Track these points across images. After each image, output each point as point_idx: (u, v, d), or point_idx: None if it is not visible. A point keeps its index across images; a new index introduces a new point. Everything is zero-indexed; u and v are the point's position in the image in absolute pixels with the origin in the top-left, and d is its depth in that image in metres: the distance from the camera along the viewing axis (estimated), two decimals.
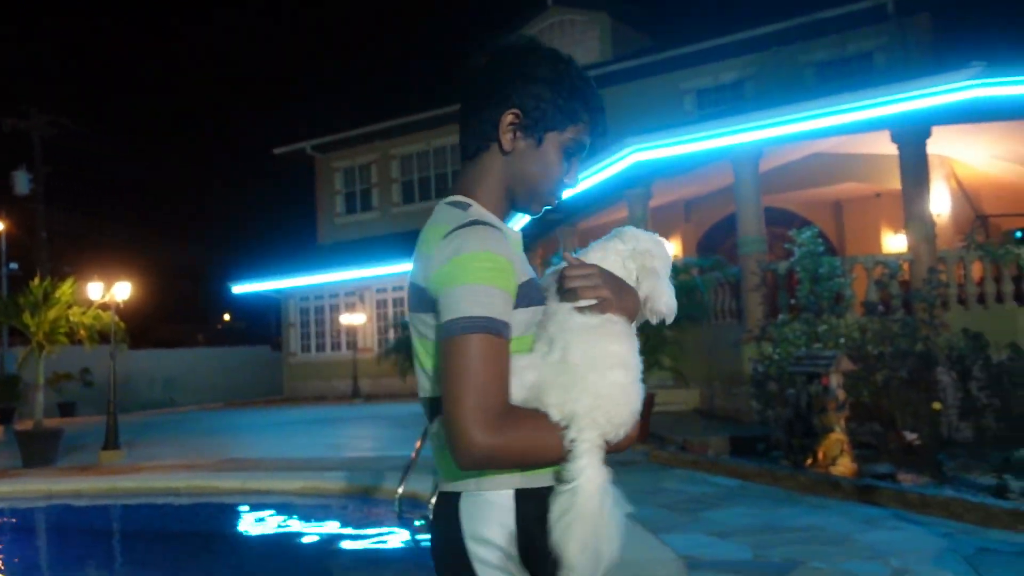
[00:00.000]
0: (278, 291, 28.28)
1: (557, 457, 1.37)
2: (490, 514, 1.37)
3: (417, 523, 6.86)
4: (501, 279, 1.34)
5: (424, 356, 1.44)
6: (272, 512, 8.00)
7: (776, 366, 9.20)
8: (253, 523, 7.91)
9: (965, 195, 16.30)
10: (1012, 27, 17.31)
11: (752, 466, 7.97)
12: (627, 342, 1.43)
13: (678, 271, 10.89)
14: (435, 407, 1.42)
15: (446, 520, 1.42)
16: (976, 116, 11.24)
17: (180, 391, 27.30)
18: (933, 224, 11.56)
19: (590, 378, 1.37)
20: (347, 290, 27.10)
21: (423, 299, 1.42)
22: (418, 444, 7.50)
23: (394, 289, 26.42)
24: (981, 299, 11.09)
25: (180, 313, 50.23)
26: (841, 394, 7.70)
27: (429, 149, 27.52)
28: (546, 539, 1.33)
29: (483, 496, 1.38)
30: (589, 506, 1.34)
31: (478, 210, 1.48)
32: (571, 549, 1.32)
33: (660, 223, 16.11)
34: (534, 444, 1.34)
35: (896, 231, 15.64)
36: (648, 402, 10.76)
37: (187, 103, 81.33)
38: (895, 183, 11.97)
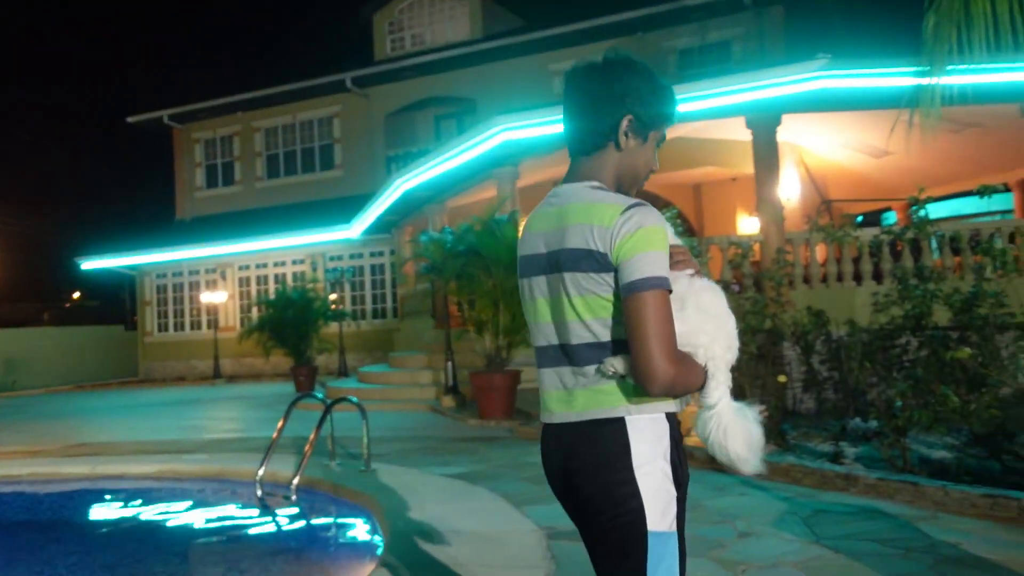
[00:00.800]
0: (133, 267, 26.96)
1: (699, 385, 1.80)
2: (654, 432, 1.76)
3: (282, 507, 6.75)
4: (666, 247, 1.77)
5: (585, 309, 1.79)
6: (125, 498, 7.68)
7: None
8: (104, 510, 7.57)
9: (813, 181, 17.30)
10: (858, 21, 18.44)
11: None
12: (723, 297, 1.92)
13: None
14: (593, 350, 1.79)
15: (603, 441, 1.76)
16: (822, 106, 11.90)
17: (23, 374, 25.64)
18: (782, 208, 12.20)
19: (727, 325, 1.88)
20: (208, 267, 26.15)
21: (595, 260, 1.76)
22: (280, 424, 7.37)
23: (258, 267, 25.68)
24: (824, 279, 11.76)
25: (23, 291, 47.08)
26: None
27: (295, 122, 26.78)
28: (682, 452, 1.82)
29: (645, 418, 1.77)
30: (737, 416, 1.83)
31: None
32: (737, 446, 1.82)
33: (528, 203, 16.30)
34: (691, 375, 1.77)
35: (750, 214, 16.39)
36: (513, 379, 10.94)
37: (30, 61, 75.69)
38: (750, 168, 12.58)
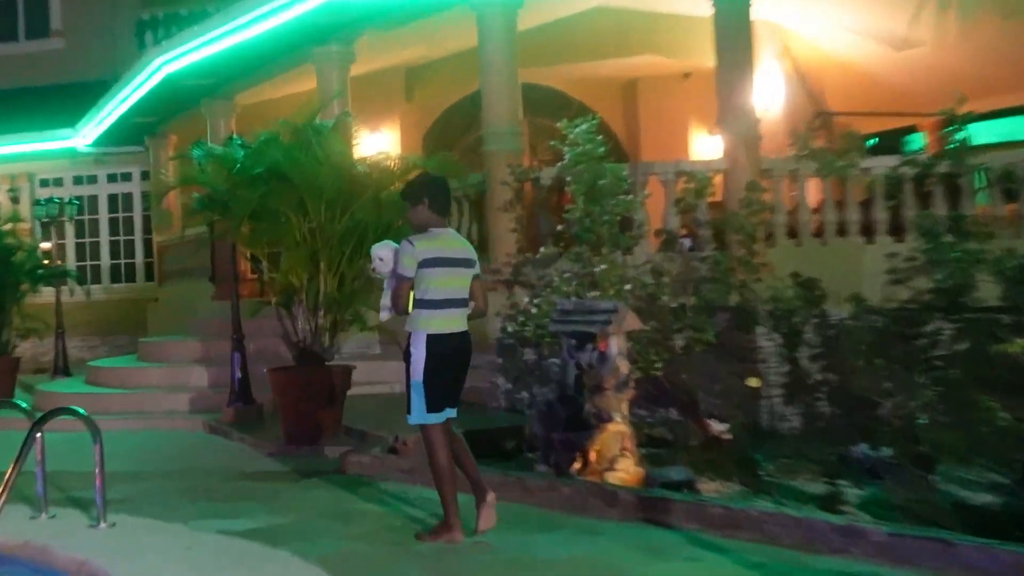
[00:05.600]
0: None
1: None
2: None
3: None
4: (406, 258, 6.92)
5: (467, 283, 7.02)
6: None
7: (534, 325, 9.55)
8: None
9: (803, 82, 17.59)
10: None
11: (495, 474, 8.08)
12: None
13: (395, 177, 11.05)
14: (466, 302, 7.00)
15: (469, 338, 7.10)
16: None
17: None
18: (757, 121, 12.44)
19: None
20: None
21: (473, 261, 7.12)
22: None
23: None
24: (819, 232, 12.05)
25: None
26: (624, 365, 8.05)
27: None
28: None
29: None
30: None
31: None
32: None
33: (367, 101, 16.06)
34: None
35: (709, 130, 16.66)
36: (319, 379, 11.04)
37: None
38: (710, 59, 12.76)
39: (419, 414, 6.81)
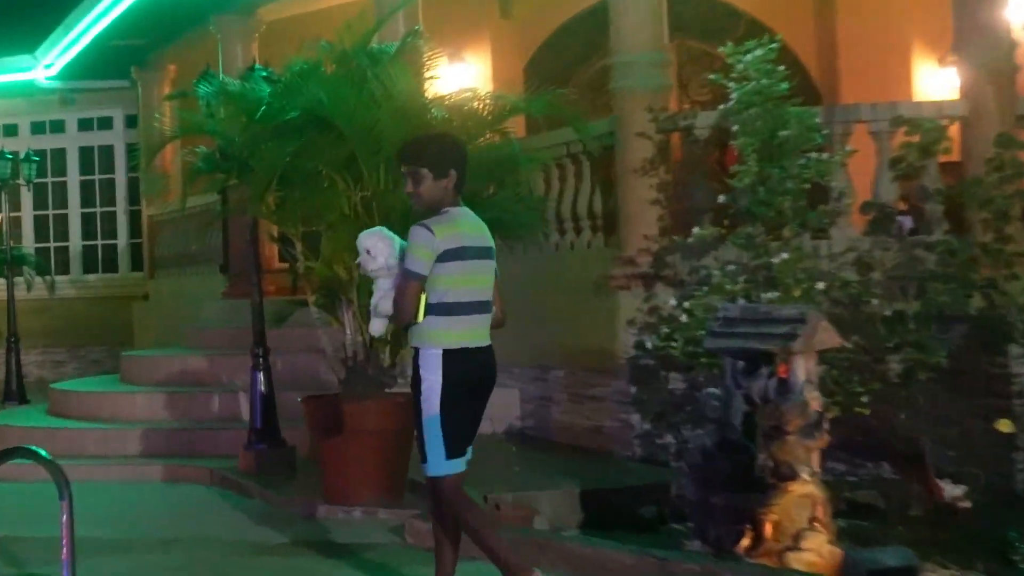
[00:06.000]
0: None
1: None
2: None
3: None
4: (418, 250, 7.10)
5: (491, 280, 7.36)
6: None
7: (684, 339, 9.58)
8: None
9: None
10: None
11: (629, 555, 8.07)
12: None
13: (485, 124, 11.11)
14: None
15: (494, 355, 7.45)
16: None
17: None
18: (1013, 45, 12.21)
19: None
20: None
21: (494, 252, 7.43)
22: None
23: None
24: None
25: None
26: (815, 400, 8.01)
27: None
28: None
29: None
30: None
31: None
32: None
33: (447, 17, 16.12)
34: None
35: (942, 59, 16.59)
36: (406, 411, 10.71)
37: None
38: None
39: (437, 461, 6.93)
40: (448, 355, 6.87)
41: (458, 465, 6.96)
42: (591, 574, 8.23)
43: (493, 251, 7.24)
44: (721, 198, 11.47)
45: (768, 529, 7.90)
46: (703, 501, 8.52)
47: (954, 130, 12.12)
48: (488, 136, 10.84)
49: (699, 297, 10.01)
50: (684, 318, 9.87)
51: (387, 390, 11.25)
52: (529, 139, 13.42)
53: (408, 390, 10.80)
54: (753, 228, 10.65)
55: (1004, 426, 8.03)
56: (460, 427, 6.98)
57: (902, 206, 12.19)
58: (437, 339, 6.89)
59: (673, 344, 9.78)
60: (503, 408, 13.39)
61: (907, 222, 11.98)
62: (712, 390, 8.80)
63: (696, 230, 11.32)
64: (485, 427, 12.40)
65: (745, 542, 7.99)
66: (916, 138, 11.56)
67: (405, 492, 11.01)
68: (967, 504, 8.48)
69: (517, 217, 10.85)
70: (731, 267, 10.36)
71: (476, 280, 7.02)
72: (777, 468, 7.99)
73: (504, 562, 6.82)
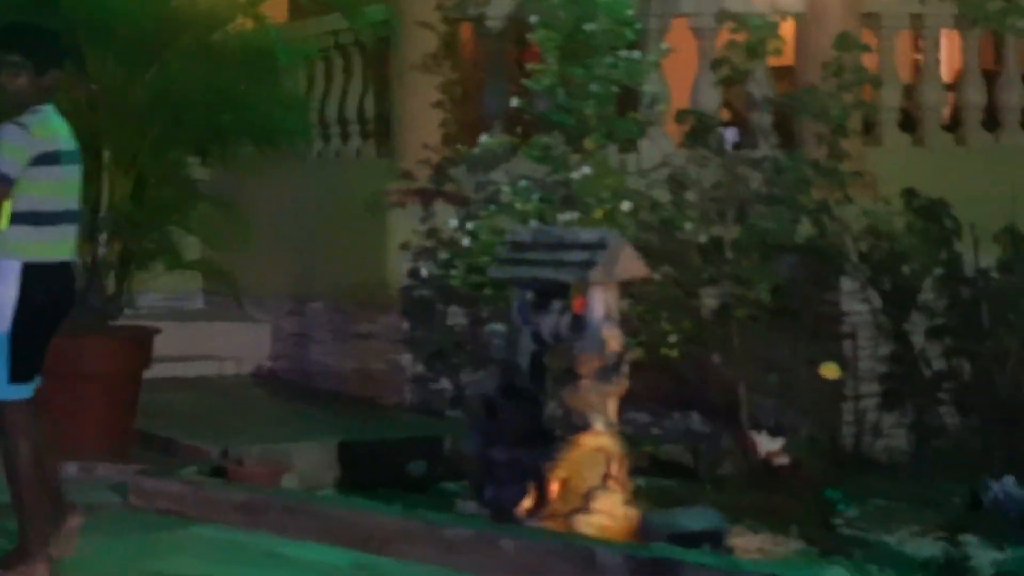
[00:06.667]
0: None
1: None
2: None
3: None
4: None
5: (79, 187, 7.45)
6: None
7: (467, 266, 9.39)
8: None
9: None
10: None
11: (392, 518, 8.02)
12: None
13: (237, 7, 10.86)
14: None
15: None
16: None
17: None
18: None
19: None
20: None
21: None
22: None
23: None
24: (954, 123, 11.91)
25: None
26: (615, 339, 7.84)
27: None
28: None
29: None
30: None
31: None
32: None
33: None
34: None
35: None
36: (133, 351, 10.95)
37: None
38: None
39: (1, 384, 6.75)
40: (29, 269, 6.65)
41: (26, 390, 6.83)
42: (349, 540, 7.96)
43: (79, 155, 7.05)
44: (514, 102, 11.29)
45: (554, 488, 7.72)
46: (482, 456, 8.32)
47: (788, 29, 11.95)
48: (240, 21, 10.54)
49: (485, 218, 9.88)
50: (467, 242, 9.72)
51: (110, 323, 11.02)
52: (291, 26, 13.40)
53: (141, 325, 11.27)
54: (551, 138, 10.46)
55: (830, 371, 7.98)
56: (32, 349, 6.83)
57: (725, 116, 12.11)
58: (20, 251, 6.63)
59: (453, 272, 9.64)
60: (251, 346, 13.77)
61: (730, 134, 11.72)
62: (496, 327, 8.63)
63: (484, 138, 11.10)
64: (228, 367, 13.05)
65: (527, 503, 7.79)
66: (743, 36, 11.31)
67: (135, 445, 10.81)
68: (785, 460, 8.36)
69: (277, 122, 10.50)
70: (523, 183, 10.17)
71: (70, 187, 6.87)
72: (568, 418, 7.75)
73: (29, 535, 6.68)
